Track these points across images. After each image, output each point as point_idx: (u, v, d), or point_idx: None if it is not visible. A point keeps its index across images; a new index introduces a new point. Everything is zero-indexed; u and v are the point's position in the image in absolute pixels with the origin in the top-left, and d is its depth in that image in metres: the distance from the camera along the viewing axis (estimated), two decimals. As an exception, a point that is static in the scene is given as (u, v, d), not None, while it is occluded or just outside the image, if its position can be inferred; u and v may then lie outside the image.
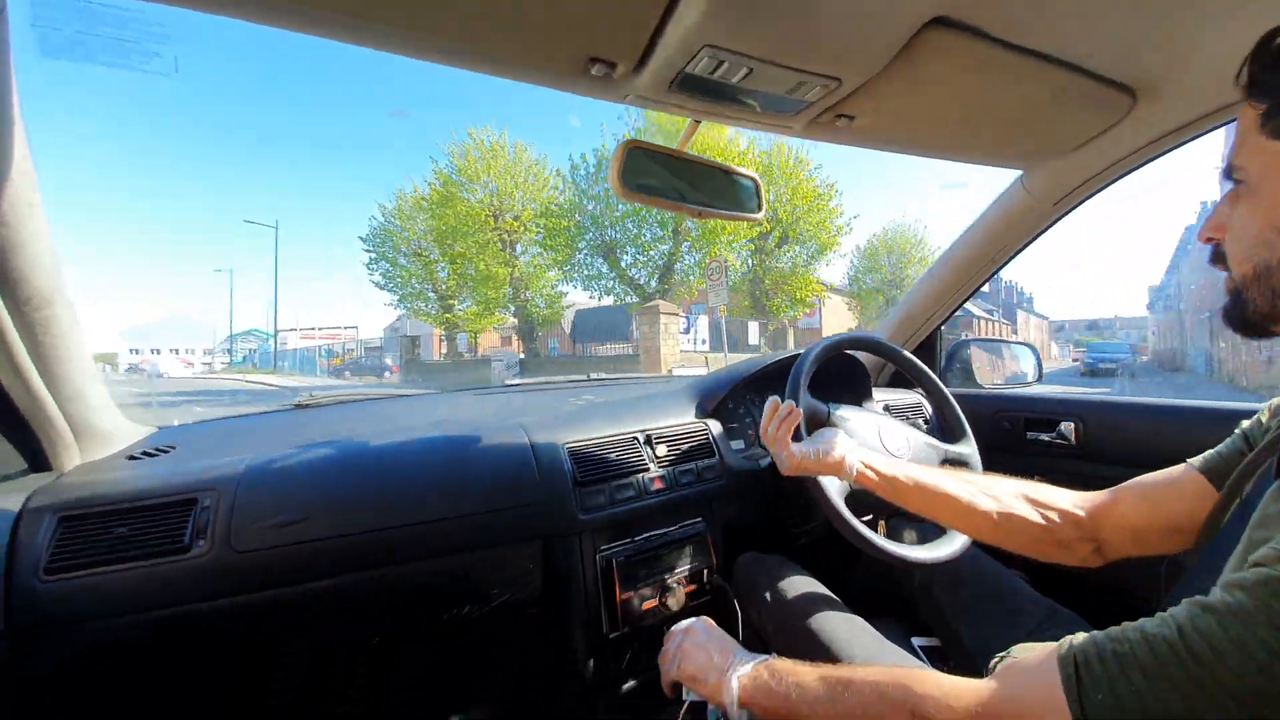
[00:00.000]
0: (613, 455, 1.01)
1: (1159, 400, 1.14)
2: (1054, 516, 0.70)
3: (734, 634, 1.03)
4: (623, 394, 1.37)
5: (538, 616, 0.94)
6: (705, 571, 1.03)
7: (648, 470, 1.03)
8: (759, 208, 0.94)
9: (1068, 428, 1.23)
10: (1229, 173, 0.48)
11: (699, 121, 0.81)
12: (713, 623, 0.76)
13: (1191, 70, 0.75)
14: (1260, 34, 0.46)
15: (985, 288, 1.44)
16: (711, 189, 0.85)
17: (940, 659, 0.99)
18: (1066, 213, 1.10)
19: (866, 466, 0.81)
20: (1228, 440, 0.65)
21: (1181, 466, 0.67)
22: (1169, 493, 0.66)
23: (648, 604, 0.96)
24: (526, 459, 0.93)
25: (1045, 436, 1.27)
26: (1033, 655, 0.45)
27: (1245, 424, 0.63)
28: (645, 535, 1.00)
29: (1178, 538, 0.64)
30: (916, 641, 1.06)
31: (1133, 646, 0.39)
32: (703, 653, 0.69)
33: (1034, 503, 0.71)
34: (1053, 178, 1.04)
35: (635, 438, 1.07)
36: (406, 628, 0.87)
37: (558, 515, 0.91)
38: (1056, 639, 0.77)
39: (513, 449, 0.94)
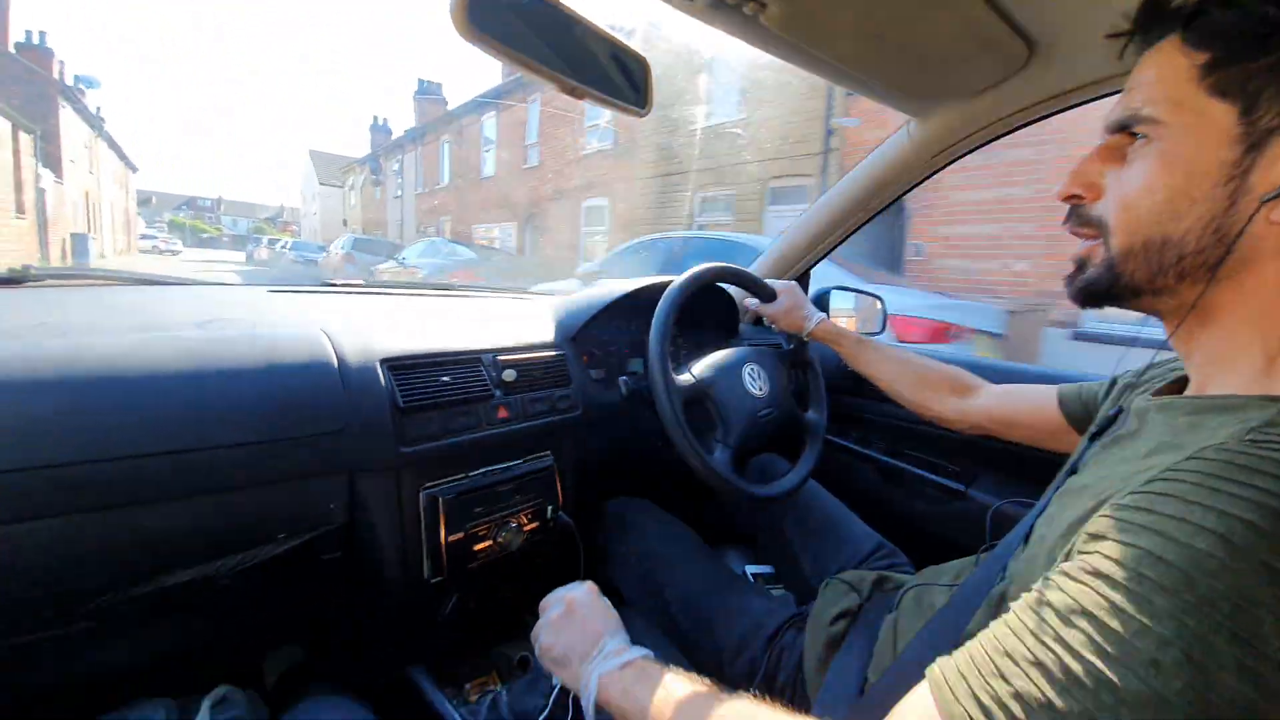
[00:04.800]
0: (447, 376, 0.85)
1: (980, 359, 1.25)
2: (953, 370, 0.94)
3: (576, 571, 0.98)
4: (468, 309, 1.19)
5: (339, 562, 0.78)
6: (550, 509, 0.95)
7: (491, 396, 0.90)
8: (644, 102, 0.79)
9: None
10: (1125, 125, 0.42)
11: (581, -38, 0.62)
12: (596, 593, 0.67)
13: (1084, 35, 0.74)
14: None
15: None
16: (586, 60, 0.67)
17: (772, 583, 1.06)
18: (941, 168, 1.11)
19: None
20: (1097, 383, 0.71)
21: (1051, 390, 0.77)
22: (1027, 402, 0.82)
23: (480, 545, 0.86)
24: (328, 372, 0.74)
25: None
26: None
27: (1120, 379, 0.66)
28: (483, 470, 0.88)
29: (1017, 433, 0.83)
30: (750, 569, 1.12)
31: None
32: (573, 631, 0.60)
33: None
34: (937, 130, 1.03)
35: (479, 357, 0.91)
36: (150, 584, 0.67)
37: (370, 447, 0.75)
38: (882, 569, 0.84)
39: (310, 360, 0.74)
